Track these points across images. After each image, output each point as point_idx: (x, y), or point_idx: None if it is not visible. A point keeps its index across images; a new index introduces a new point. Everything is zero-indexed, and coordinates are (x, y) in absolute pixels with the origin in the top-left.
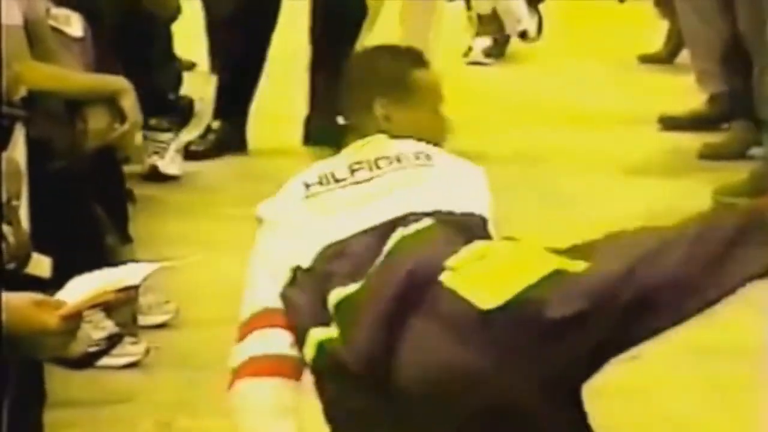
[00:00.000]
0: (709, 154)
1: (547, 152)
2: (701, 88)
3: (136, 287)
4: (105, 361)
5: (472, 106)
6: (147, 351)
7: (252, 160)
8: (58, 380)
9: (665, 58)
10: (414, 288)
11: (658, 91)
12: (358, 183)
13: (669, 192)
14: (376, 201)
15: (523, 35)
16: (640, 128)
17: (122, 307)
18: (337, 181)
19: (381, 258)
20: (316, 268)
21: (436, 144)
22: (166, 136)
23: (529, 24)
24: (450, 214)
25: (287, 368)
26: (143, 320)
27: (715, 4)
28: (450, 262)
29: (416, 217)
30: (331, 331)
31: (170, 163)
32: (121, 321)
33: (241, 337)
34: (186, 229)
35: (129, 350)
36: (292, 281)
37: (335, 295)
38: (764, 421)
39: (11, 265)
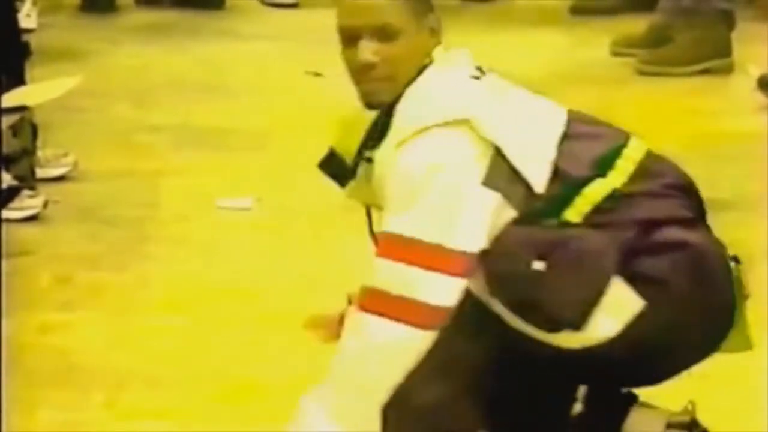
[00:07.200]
0: (580, 9)
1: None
2: None
3: (25, 108)
4: (3, 214)
5: None
6: (45, 204)
7: None
8: None
9: None
10: None
11: None
12: None
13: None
14: None
15: None
16: None
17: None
18: None
19: None
20: None
21: None
22: None
23: None
24: None
25: None
26: (41, 173)
27: None
28: None
29: None
30: None
31: (26, 17)
32: (18, 174)
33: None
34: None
35: (27, 203)
36: None
37: None
38: None
39: None
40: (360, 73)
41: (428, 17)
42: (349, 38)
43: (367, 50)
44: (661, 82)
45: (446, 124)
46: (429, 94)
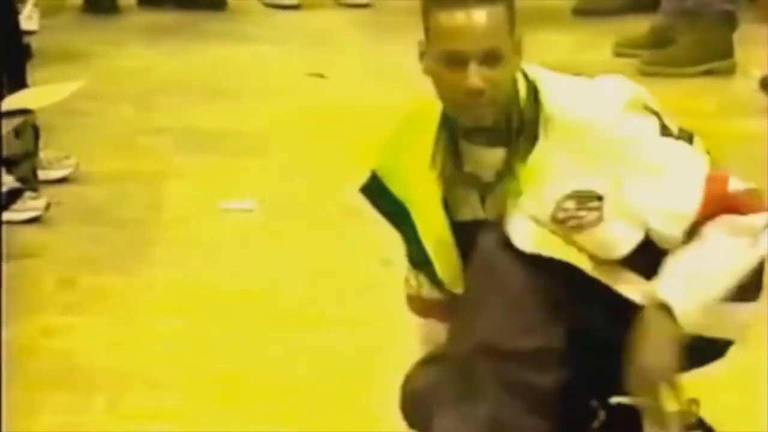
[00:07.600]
0: (583, 10)
1: None
2: None
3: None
4: (6, 216)
5: None
6: (48, 206)
7: None
8: None
9: None
10: None
11: None
12: None
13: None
14: None
15: None
16: None
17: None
18: None
19: None
20: None
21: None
22: None
23: None
24: None
25: None
26: (43, 175)
27: None
28: None
29: None
30: None
31: (27, 19)
32: (20, 176)
33: None
34: (84, 84)
35: (30, 205)
36: None
37: None
38: None
39: None
40: (467, 98)
41: (515, 34)
42: (455, 61)
43: (477, 76)
44: (663, 83)
45: (626, 106)
46: (586, 93)
